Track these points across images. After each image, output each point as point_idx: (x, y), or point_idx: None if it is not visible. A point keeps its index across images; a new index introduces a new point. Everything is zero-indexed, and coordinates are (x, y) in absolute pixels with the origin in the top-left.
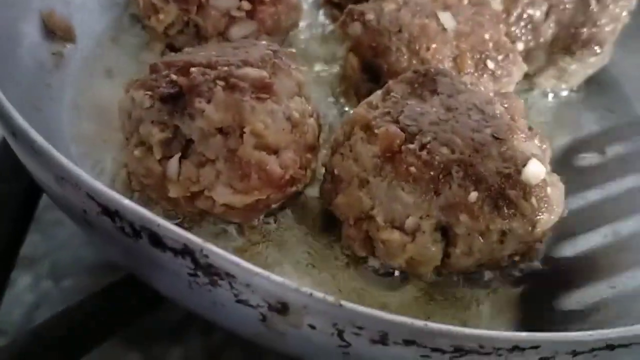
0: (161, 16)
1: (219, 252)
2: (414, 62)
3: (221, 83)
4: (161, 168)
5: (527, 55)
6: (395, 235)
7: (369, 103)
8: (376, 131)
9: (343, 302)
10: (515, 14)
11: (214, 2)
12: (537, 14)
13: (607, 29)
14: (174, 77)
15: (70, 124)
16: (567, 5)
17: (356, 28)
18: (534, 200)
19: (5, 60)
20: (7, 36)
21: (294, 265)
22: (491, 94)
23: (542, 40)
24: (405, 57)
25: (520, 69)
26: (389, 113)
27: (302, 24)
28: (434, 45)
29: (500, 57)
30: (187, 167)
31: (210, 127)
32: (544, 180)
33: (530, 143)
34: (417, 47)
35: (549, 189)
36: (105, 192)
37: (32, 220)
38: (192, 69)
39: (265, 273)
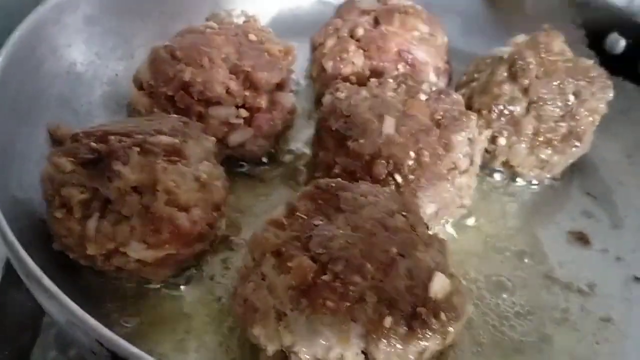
0: None
1: None
2: (348, 147)
3: (136, 148)
4: (80, 227)
5: (509, 149)
6: None
7: (276, 223)
8: (289, 264)
9: None
10: (496, 110)
11: (213, 112)
12: (518, 109)
13: (585, 121)
14: (93, 144)
15: None
16: (546, 101)
17: (327, 99)
18: (443, 315)
19: (14, 178)
20: (18, 153)
21: None
22: (392, 205)
23: (523, 134)
24: (342, 140)
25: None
26: (297, 237)
27: None
28: (361, 141)
29: (410, 176)
30: (104, 225)
31: (127, 186)
32: (449, 292)
33: (431, 251)
34: (352, 136)
35: (454, 299)
36: (115, 340)
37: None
38: (110, 137)
39: None
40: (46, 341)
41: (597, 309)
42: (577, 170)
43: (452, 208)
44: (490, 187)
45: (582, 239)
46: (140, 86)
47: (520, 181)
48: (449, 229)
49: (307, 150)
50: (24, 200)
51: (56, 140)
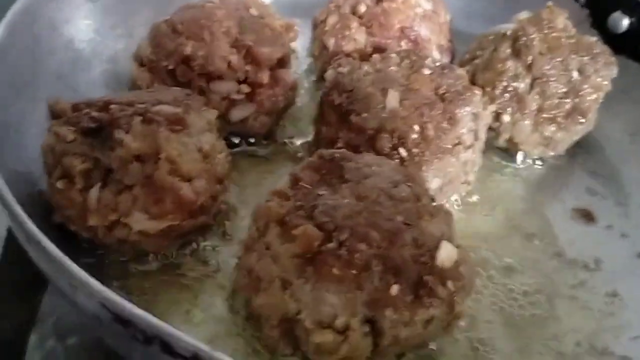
0: None
1: None
2: (351, 121)
3: (138, 117)
4: (82, 198)
5: (513, 126)
6: (328, 337)
7: (279, 194)
8: (294, 232)
9: None
10: (500, 87)
11: (215, 87)
12: (522, 86)
13: (589, 98)
14: (95, 114)
15: None
16: (550, 77)
17: (330, 74)
18: (450, 284)
19: (11, 151)
20: (15, 127)
21: None
22: (396, 176)
23: (527, 111)
24: (345, 114)
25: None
26: (302, 207)
27: None
28: (365, 115)
29: (415, 150)
30: (106, 195)
31: (129, 154)
32: (456, 261)
33: (437, 221)
34: (355, 110)
35: (461, 268)
36: (119, 302)
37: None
38: (112, 106)
39: None
40: (44, 330)
41: (603, 284)
42: (581, 148)
43: (457, 183)
44: (495, 166)
45: (587, 216)
46: (140, 62)
47: (524, 159)
48: (454, 209)
49: (310, 128)
50: (23, 173)
51: (56, 115)
